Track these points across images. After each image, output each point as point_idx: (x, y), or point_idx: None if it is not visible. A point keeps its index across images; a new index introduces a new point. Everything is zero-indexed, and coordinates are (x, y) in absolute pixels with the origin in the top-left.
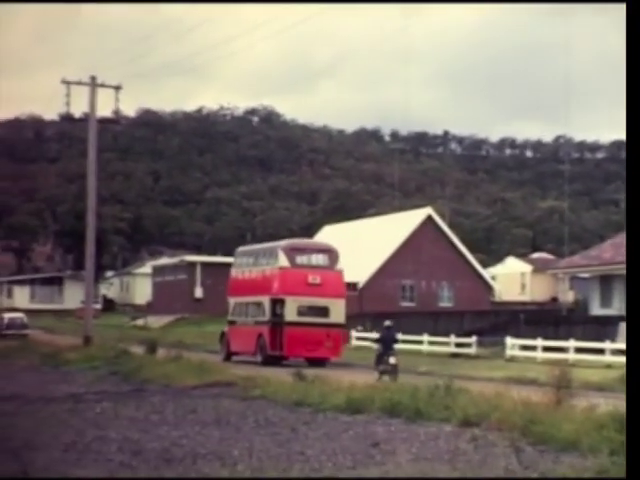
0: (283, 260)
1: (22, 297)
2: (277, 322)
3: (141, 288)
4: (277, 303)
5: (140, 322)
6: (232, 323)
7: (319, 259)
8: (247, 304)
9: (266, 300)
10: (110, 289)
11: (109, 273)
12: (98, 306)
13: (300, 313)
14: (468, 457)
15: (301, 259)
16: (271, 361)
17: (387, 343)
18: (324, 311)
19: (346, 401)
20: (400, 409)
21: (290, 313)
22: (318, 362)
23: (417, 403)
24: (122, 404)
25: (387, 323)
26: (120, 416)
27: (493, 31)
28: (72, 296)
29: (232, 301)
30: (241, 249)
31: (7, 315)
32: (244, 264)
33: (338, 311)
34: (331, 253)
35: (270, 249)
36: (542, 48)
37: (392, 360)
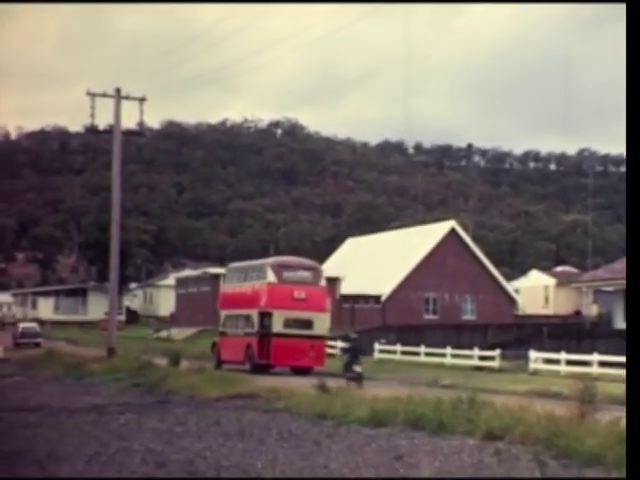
0: (271, 276)
1: (46, 308)
2: (265, 333)
3: (164, 300)
4: (265, 316)
5: (163, 334)
6: (223, 334)
7: (304, 276)
8: (237, 317)
9: (255, 313)
10: (134, 301)
11: (133, 285)
12: (122, 318)
13: (286, 325)
14: (492, 471)
15: (288, 275)
16: (259, 369)
17: (354, 353)
18: (308, 324)
19: (369, 414)
20: (423, 422)
21: (277, 325)
22: (303, 371)
23: (441, 416)
24: (146, 416)
25: (353, 335)
26: (144, 428)
27: (517, 44)
28: (96, 307)
29: (223, 314)
30: (232, 265)
31: (21, 325)
32: (235, 279)
33: (321, 324)
34: (316, 270)
35: (259, 266)
36: (567, 60)
37: (357, 368)
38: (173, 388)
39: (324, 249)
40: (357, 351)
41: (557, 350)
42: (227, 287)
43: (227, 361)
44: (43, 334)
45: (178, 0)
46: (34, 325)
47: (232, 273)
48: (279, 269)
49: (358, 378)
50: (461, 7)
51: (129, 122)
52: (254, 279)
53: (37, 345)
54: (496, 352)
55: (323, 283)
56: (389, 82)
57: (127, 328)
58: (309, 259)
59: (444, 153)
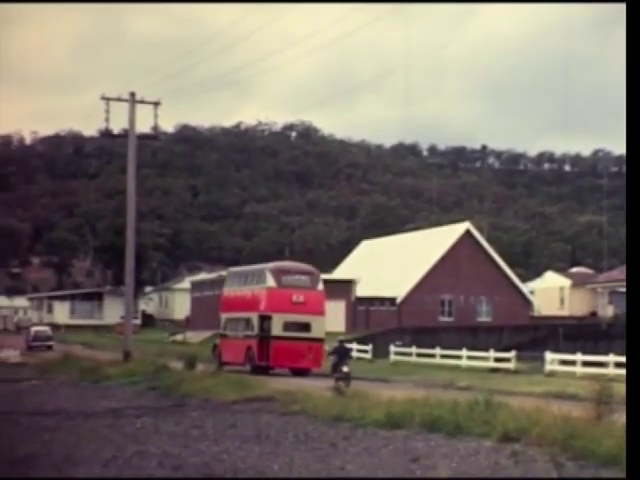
0: (270, 281)
1: (62, 312)
2: (264, 336)
3: (180, 303)
4: (265, 319)
5: (179, 337)
6: (224, 336)
7: (302, 280)
8: (237, 320)
9: (255, 316)
10: (149, 304)
11: (148, 288)
12: (137, 321)
13: (285, 328)
14: (508, 472)
15: (286, 280)
16: (259, 371)
17: (341, 355)
18: (306, 327)
19: (385, 416)
20: (440, 424)
21: (276, 328)
22: (301, 372)
23: (457, 418)
24: (162, 419)
25: (340, 338)
26: (160, 431)
27: (531, 45)
28: (111, 311)
29: (224, 317)
30: (232, 270)
31: (34, 328)
32: (235, 284)
33: (319, 327)
34: (313, 275)
35: (259, 271)
36: (581, 61)
37: (345, 369)
38: (189, 391)
39: (339, 252)
40: (344, 353)
41: (573, 351)
42: (227, 291)
43: (228, 363)
44: (59, 338)
45: (191, 0)
46: (46, 329)
47: (232, 278)
48: (278, 274)
49: (346, 378)
50: (475, 8)
51: (143, 126)
52: (254, 283)
53: (49, 348)
54: (512, 354)
55: (320, 287)
56: (403, 84)
57: (143, 332)
58: (324, 261)
59: (458, 155)
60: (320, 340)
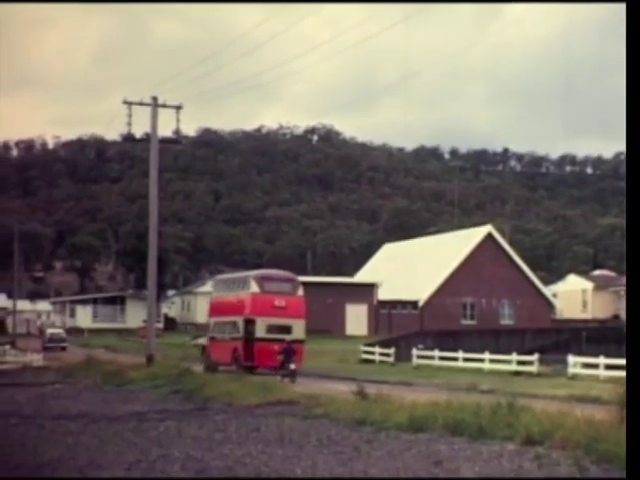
0: (254, 287)
1: (85, 316)
2: (249, 338)
3: (202, 307)
4: (249, 323)
5: (201, 341)
6: (212, 339)
7: (284, 286)
8: (224, 323)
9: (240, 320)
10: (171, 308)
11: (170, 292)
12: (160, 325)
13: (268, 331)
14: (532, 476)
15: (269, 286)
16: (244, 371)
17: (287, 354)
18: (288, 329)
19: (408, 419)
20: (463, 427)
21: (260, 331)
22: None
23: (480, 421)
24: (185, 423)
25: (287, 339)
26: (183, 435)
27: (553, 48)
28: (134, 315)
29: (212, 321)
30: (219, 278)
31: (49, 330)
32: (222, 290)
33: (299, 329)
34: (294, 282)
35: (243, 278)
36: (603, 63)
37: (292, 366)
38: (212, 395)
39: (361, 255)
40: (291, 352)
41: (596, 354)
42: (215, 297)
43: (216, 363)
44: (82, 342)
45: (213, 0)
46: (60, 331)
47: (219, 284)
48: (261, 281)
49: (292, 375)
50: (497, 11)
51: (165, 130)
52: (239, 290)
53: (63, 349)
54: (534, 357)
55: (300, 293)
56: (425, 88)
57: (165, 335)
58: (346, 265)
59: (480, 158)
60: (300, 341)
